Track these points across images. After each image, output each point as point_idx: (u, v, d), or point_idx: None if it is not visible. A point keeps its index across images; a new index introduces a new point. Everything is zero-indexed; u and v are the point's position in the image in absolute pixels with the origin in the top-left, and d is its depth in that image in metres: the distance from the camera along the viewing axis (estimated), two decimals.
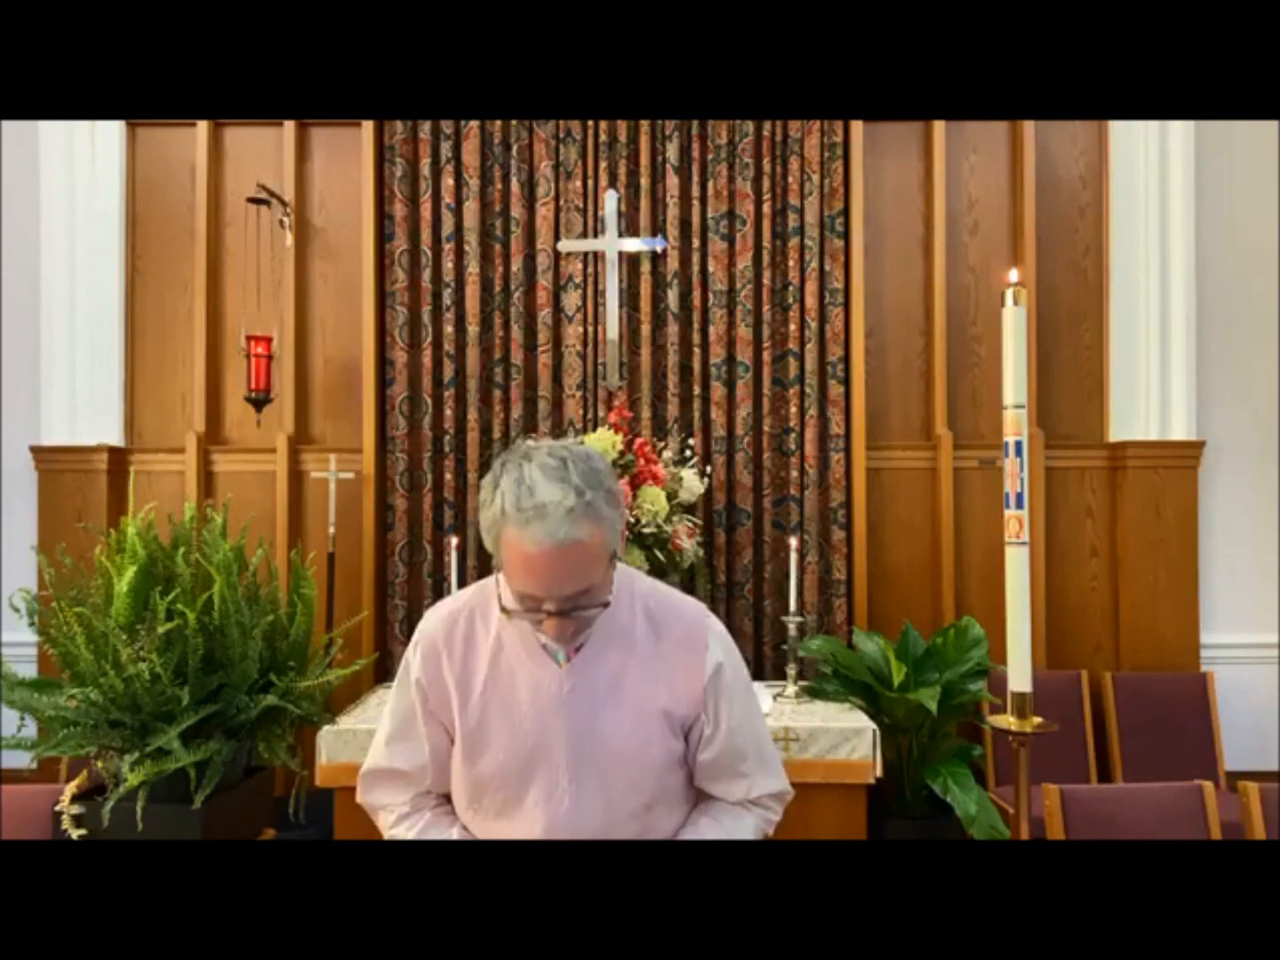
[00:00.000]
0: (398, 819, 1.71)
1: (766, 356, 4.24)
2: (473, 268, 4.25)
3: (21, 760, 3.57)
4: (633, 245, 4.17)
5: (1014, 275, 2.25)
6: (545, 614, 1.46)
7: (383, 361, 4.29)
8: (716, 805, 1.73)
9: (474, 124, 4.26)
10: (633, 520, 3.61)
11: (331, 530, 4.10)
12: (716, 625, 1.69)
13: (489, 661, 1.61)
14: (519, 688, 1.59)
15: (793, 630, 3.64)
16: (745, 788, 1.70)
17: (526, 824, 1.60)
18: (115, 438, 4.30)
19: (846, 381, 4.21)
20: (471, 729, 1.60)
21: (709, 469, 4.11)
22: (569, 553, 1.39)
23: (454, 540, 3.92)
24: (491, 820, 1.64)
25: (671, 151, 4.24)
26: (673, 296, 4.23)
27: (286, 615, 3.11)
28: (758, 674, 4.13)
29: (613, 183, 4.23)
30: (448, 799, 1.73)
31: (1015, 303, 2.21)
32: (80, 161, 4.30)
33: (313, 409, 4.37)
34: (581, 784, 1.59)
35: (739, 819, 1.71)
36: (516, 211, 4.26)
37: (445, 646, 1.63)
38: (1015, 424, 2.24)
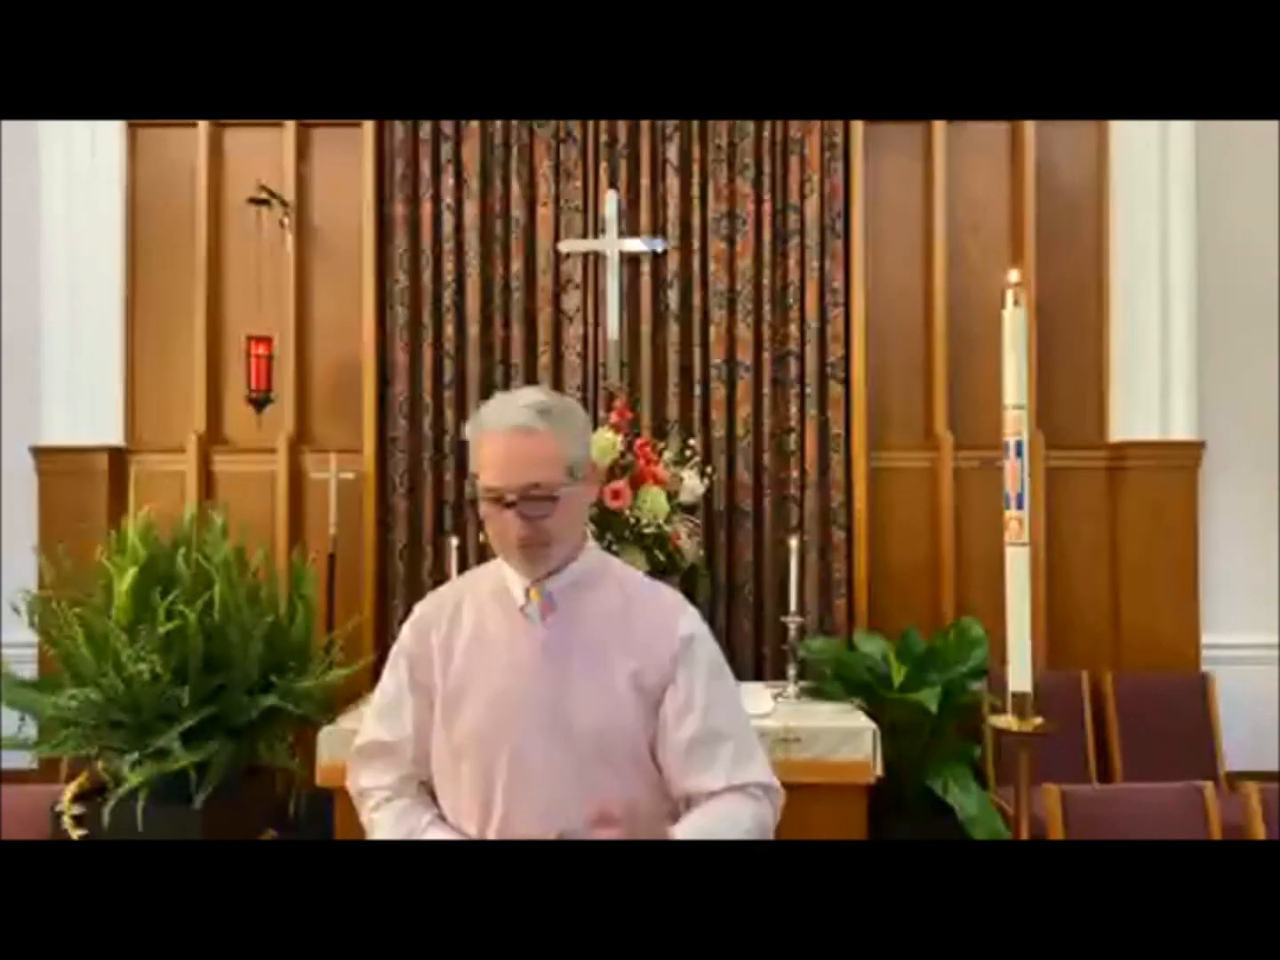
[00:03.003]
0: (377, 804, 1.74)
1: (767, 357, 4.23)
2: (473, 268, 4.24)
3: (22, 760, 3.57)
4: (633, 246, 4.17)
5: (1014, 276, 2.26)
6: (504, 504, 1.57)
7: (383, 362, 4.28)
8: (707, 801, 1.64)
9: (474, 125, 4.25)
10: (633, 520, 3.61)
11: (332, 531, 4.10)
12: (692, 609, 1.75)
13: (472, 629, 1.70)
14: (497, 648, 1.68)
15: (793, 631, 3.63)
16: (726, 771, 1.63)
17: (499, 793, 1.61)
18: (115, 438, 4.30)
19: (847, 382, 4.20)
20: (451, 691, 1.68)
21: (709, 469, 4.10)
22: (525, 440, 1.57)
23: (454, 541, 3.91)
24: (468, 791, 1.65)
25: (672, 152, 4.23)
26: (673, 297, 4.22)
27: (287, 616, 3.11)
28: (758, 674, 4.12)
29: (613, 183, 4.23)
30: (430, 792, 1.74)
31: (1015, 303, 2.21)
32: (80, 162, 4.29)
33: (313, 409, 4.37)
34: (552, 751, 1.60)
35: (731, 805, 1.62)
36: (517, 212, 4.25)
37: (434, 620, 1.74)
38: (1015, 424, 2.25)
